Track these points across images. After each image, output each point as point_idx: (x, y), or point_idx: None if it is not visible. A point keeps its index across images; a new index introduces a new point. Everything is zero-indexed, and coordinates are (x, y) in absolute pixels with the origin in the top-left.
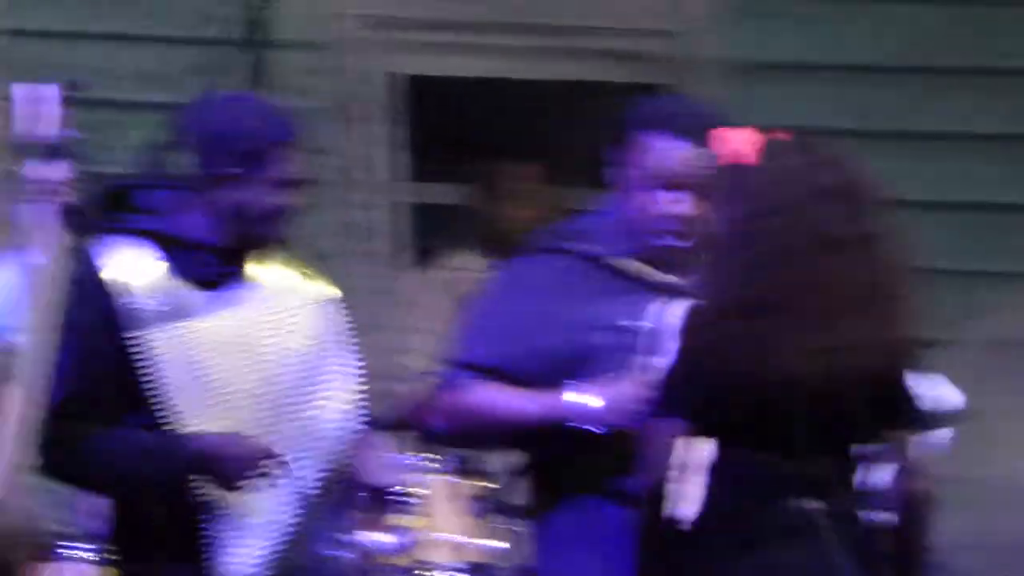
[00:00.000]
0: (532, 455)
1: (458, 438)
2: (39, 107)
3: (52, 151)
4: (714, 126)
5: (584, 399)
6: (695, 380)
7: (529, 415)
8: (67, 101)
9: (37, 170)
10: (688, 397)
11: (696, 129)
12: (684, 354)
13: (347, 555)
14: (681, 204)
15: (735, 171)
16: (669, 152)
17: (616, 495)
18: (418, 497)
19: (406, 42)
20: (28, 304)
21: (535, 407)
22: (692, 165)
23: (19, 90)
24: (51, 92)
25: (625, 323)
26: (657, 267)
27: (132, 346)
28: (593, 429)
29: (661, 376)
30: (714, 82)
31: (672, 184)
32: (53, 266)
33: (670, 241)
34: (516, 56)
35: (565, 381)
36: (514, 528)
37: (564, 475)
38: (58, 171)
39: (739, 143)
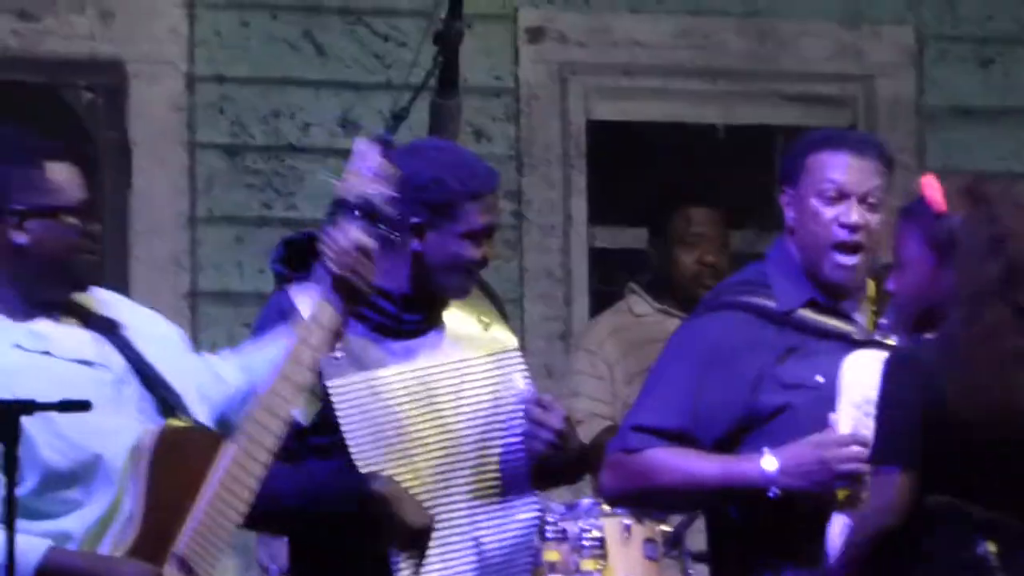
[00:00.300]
0: (713, 518)
1: (632, 499)
2: (368, 164)
3: (367, 210)
4: (879, 146)
5: (764, 463)
6: (920, 429)
7: (707, 479)
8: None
9: (348, 230)
10: (912, 445)
11: (857, 142)
12: (906, 402)
13: None
14: (848, 214)
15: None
16: (831, 163)
17: (803, 560)
18: (594, 539)
19: (590, 88)
20: (281, 365)
21: (713, 471)
22: (856, 175)
23: (361, 146)
24: (373, 149)
25: (805, 380)
26: (835, 303)
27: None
28: (770, 494)
29: (878, 427)
30: (901, 126)
31: (837, 196)
32: (316, 327)
33: (842, 259)
34: (701, 101)
35: (745, 443)
36: (689, 571)
37: (749, 540)
38: (360, 233)
39: (938, 191)
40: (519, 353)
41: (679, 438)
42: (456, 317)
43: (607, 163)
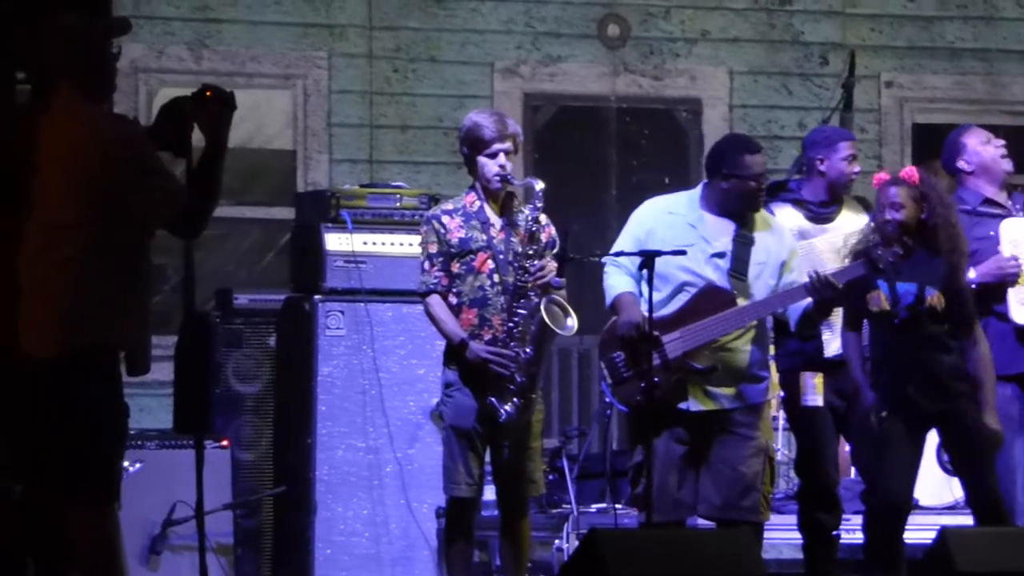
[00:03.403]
0: None
1: None
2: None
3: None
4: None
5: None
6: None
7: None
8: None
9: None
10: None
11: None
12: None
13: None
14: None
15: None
16: (996, 145)
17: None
18: None
19: (913, 107)
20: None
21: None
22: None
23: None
24: None
25: (987, 235)
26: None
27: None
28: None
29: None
30: None
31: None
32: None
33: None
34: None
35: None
36: None
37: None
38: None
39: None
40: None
41: None
42: (846, 214)
43: (921, 144)
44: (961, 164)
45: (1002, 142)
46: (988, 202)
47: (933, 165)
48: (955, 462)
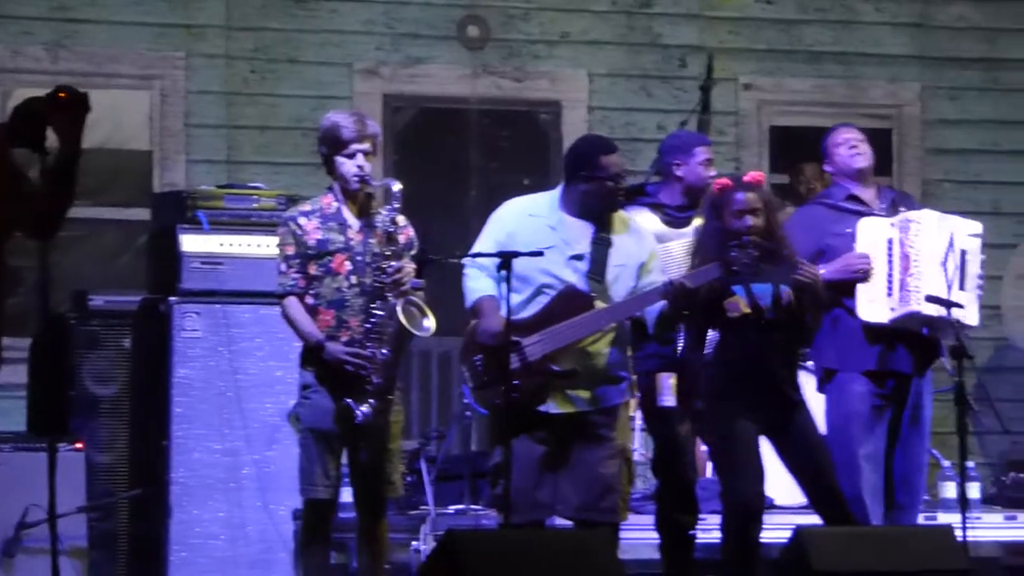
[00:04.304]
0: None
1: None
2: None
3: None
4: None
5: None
6: None
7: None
8: None
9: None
10: None
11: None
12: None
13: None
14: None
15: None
16: (849, 145)
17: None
18: None
19: (770, 111)
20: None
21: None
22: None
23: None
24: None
25: (844, 231)
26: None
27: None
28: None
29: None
30: None
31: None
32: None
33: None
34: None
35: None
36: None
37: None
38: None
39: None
40: None
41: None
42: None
43: (779, 147)
44: (825, 166)
45: (854, 140)
46: (852, 198)
47: (796, 167)
48: (793, 469)
